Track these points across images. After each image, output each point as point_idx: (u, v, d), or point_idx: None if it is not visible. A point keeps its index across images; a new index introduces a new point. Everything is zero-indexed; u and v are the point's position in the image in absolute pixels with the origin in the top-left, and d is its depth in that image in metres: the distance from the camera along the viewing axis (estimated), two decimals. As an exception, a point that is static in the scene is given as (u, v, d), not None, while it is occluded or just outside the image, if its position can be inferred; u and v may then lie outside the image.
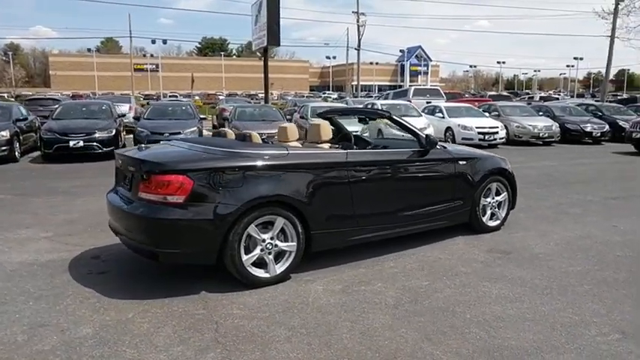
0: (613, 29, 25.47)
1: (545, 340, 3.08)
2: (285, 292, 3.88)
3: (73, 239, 5.37)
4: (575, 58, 69.78)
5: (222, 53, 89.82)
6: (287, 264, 4.05)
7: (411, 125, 4.98)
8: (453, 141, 14.37)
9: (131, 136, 15.49)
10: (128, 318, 3.44)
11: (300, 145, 4.89)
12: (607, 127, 16.28)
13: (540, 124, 15.91)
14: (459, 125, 15.02)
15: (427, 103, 19.61)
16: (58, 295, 3.86)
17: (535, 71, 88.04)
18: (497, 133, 14.96)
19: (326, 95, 58.80)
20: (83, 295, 3.85)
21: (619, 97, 37.12)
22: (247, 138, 4.42)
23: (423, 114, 16.17)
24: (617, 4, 25.22)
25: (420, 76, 78.28)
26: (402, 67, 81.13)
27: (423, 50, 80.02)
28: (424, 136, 4.89)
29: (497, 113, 16.78)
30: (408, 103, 18.02)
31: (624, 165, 11.59)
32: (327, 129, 4.66)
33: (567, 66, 75.92)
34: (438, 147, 4.96)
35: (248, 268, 3.87)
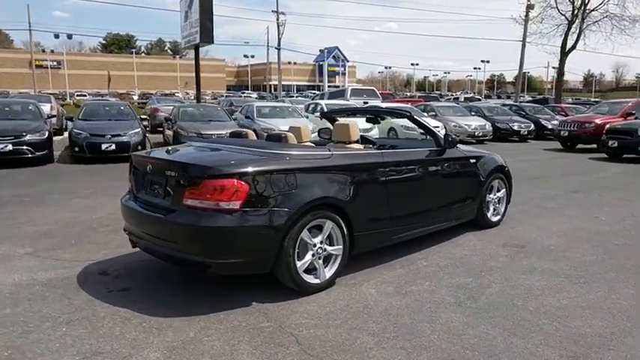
0: (524, 34, 27.76)
1: (613, 326, 3.28)
2: (340, 297, 3.77)
3: (62, 254, 4.83)
4: (482, 61, 75.12)
5: (133, 50, 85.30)
6: (334, 268, 3.95)
7: (430, 125, 5.06)
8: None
9: (58, 138, 14.33)
10: (191, 337, 3.15)
11: (314, 145, 4.80)
12: (532, 125, 17.69)
13: (475, 123, 16.89)
14: (401, 125, 15.46)
15: (364, 103, 20.01)
16: (91, 317, 3.44)
17: (445, 73, 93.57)
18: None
19: (246, 95, 57.91)
20: (120, 315, 3.47)
21: (522, 98, 40.31)
22: (283, 139, 4.23)
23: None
24: (527, 12, 27.52)
25: (337, 77, 79.75)
26: (320, 67, 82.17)
27: (339, 51, 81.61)
28: (442, 136, 4.99)
29: (434, 113, 17.55)
30: (350, 103, 18.29)
31: (560, 160, 12.65)
32: (355, 129, 4.59)
33: (475, 68, 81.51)
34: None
35: (302, 275, 3.71)
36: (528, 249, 4.94)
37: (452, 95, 55.44)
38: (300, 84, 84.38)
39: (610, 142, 12.12)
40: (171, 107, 16.92)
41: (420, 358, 2.88)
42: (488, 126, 16.96)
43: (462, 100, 37.44)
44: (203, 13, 19.33)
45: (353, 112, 5.82)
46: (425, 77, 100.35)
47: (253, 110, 15.49)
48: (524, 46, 27.78)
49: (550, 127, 17.89)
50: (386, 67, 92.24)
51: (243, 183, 3.43)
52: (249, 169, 3.49)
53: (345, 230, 3.94)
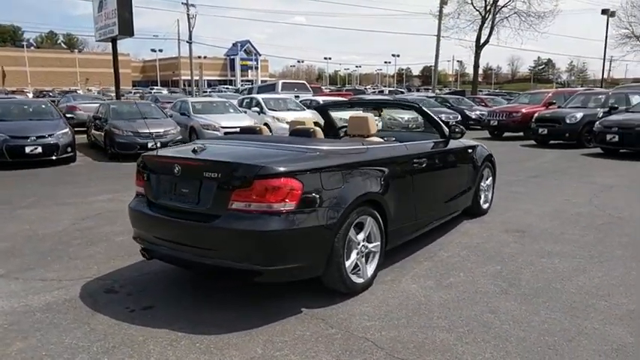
0: (439, 28, 29.23)
1: (652, 301, 3.50)
2: (388, 295, 3.67)
3: (45, 274, 4.25)
4: (393, 55, 77.93)
5: (24, 43, 77.54)
6: (373, 265, 3.83)
7: (436, 117, 5.08)
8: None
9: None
10: (260, 354, 2.88)
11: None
12: (459, 116, 18.60)
13: (407, 115, 17.37)
14: (340, 119, 15.52)
15: (296, 97, 19.87)
16: (129, 343, 3.03)
17: (357, 67, 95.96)
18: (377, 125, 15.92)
19: (156, 91, 55.05)
20: (162, 337, 3.10)
21: (429, 92, 42.36)
22: (312, 134, 3.99)
23: (305, 108, 16.37)
24: (441, 7, 29.00)
25: (250, 71, 78.42)
26: (232, 61, 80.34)
27: (251, 44, 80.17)
28: (447, 129, 5.03)
29: (368, 106, 17.82)
30: (282, 96, 18.05)
31: (498, 148, 13.13)
32: (374, 122, 4.48)
33: (385, 62, 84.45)
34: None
35: (350, 276, 3.56)
36: (530, 234, 5.15)
37: (376, 89, 56.97)
38: (212, 79, 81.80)
39: (540, 130, 13.09)
40: (96, 105, 15.59)
41: (509, 349, 2.87)
42: (420, 118, 17.54)
43: (387, 93, 38.57)
44: (121, 3, 18.13)
45: (351, 104, 5.69)
46: (336, 71, 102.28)
47: (188, 107, 14.74)
48: (439, 40, 29.25)
49: (474, 117, 18.96)
50: (298, 61, 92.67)
51: (297, 182, 3.19)
52: (302, 167, 3.26)
53: (382, 226, 3.84)
